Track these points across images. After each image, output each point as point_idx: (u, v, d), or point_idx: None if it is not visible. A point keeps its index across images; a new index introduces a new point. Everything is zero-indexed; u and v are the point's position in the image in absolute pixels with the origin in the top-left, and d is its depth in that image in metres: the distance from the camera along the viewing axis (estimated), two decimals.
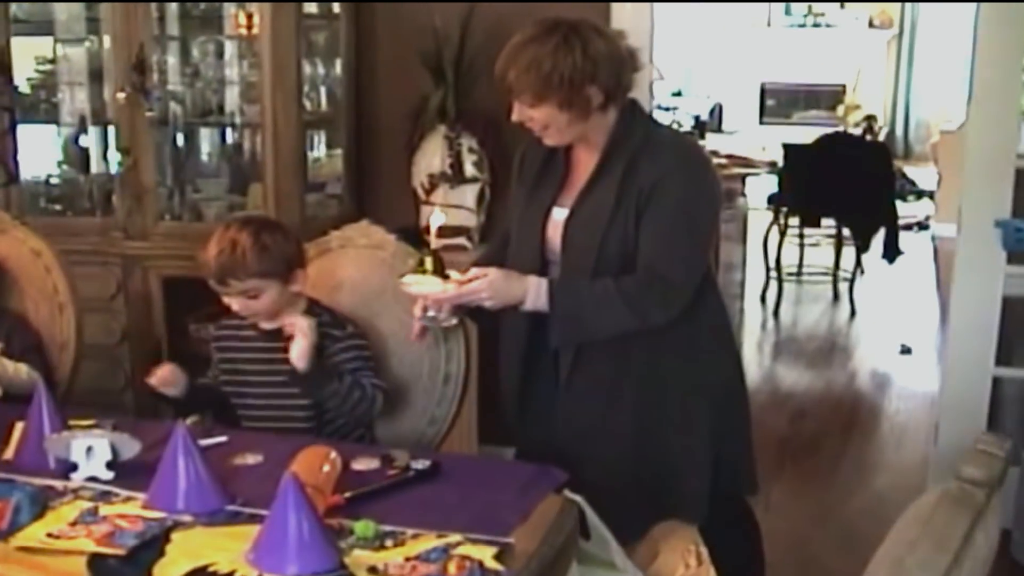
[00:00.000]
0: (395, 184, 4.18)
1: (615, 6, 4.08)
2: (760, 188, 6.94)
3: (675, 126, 7.97)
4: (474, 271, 2.43)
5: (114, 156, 4.06)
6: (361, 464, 2.35)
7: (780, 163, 6.52)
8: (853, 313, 6.72)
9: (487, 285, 2.41)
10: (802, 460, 4.48)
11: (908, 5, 11.96)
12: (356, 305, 2.93)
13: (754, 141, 8.69)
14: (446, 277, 2.43)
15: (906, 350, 5.94)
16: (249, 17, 4.06)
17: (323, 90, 4.31)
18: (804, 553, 3.57)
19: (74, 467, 2.29)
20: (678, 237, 2.46)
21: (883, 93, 12.13)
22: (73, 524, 2.08)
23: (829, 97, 12.23)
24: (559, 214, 2.58)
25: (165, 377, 2.70)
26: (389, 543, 2.00)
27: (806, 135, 7.63)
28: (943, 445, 3.84)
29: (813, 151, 6.43)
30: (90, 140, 4.43)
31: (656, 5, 4.12)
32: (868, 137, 8.41)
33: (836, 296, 6.95)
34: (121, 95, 3.90)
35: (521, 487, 2.24)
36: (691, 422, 2.62)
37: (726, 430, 2.68)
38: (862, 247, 6.51)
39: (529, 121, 2.50)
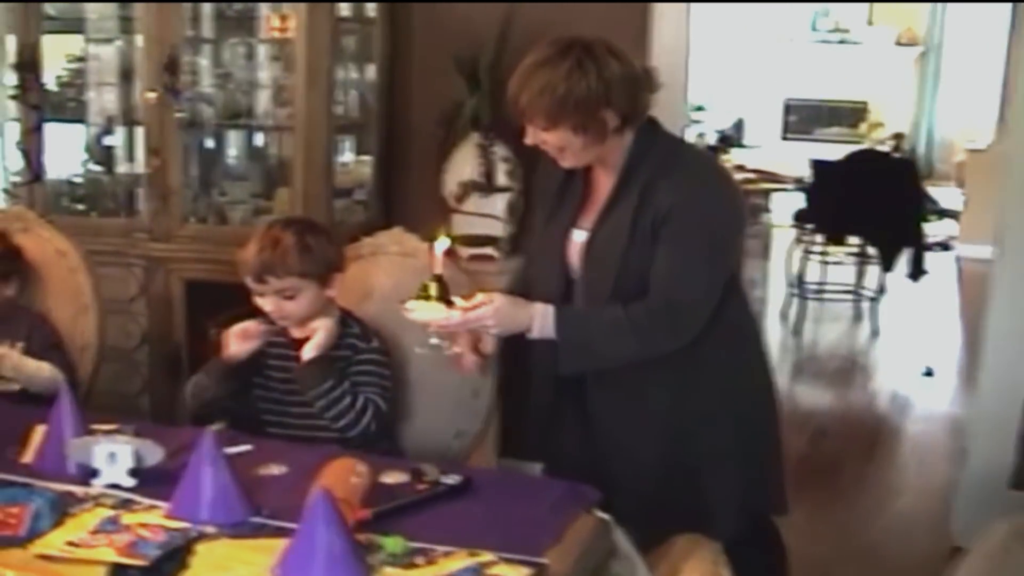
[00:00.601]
0: (424, 192, 4.13)
1: (654, 6, 4.03)
2: (786, 204, 6.85)
3: (700, 139, 7.92)
4: (479, 297, 2.37)
5: (141, 157, 4.02)
6: (390, 478, 2.29)
7: (807, 179, 6.45)
8: (875, 333, 6.64)
9: (492, 312, 2.35)
10: (823, 481, 4.42)
11: (935, 24, 11.85)
12: (386, 314, 2.86)
13: (776, 157, 8.63)
14: (450, 303, 2.36)
15: (929, 372, 5.87)
16: (283, 19, 4.02)
17: (354, 94, 4.26)
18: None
19: (95, 473, 2.24)
20: (693, 262, 2.39)
21: (906, 111, 12.04)
22: (94, 532, 2.03)
23: (852, 114, 12.16)
24: (579, 236, 2.53)
25: (249, 330, 2.66)
26: (420, 560, 1.95)
27: (828, 152, 7.59)
28: (972, 469, 3.77)
29: (842, 168, 6.36)
30: (117, 140, 4.39)
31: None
32: (896, 155, 8.32)
33: (858, 315, 6.87)
34: (151, 95, 3.86)
35: (553, 505, 2.19)
36: (722, 437, 2.56)
37: (756, 447, 2.63)
38: (887, 266, 6.43)
39: (543, 144, 2.44)
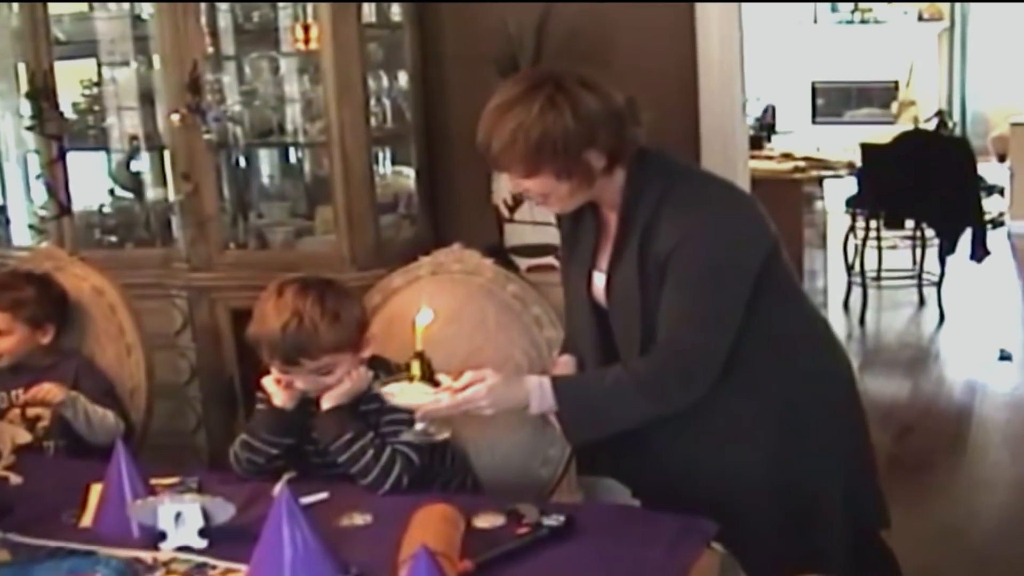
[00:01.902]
0: (473, 202, 3.92)
1: (699, 7, 3.85)
2: (838, 191, 6.61)
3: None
4: (469, 375, 2.12)
5: (172, 182, 3.82)
6: (484, 521, 2.08)
7: (857, 164, 6.21)
8: (942, 318, 6.39)
9: (486, 391, 2.10)
10: (916, 480, 4.19)
11: None
12: (453, 338, 2.64)
13: (808, 141, 8.37)
14: (436, 383, 2.11)
15: (1006, 356, 5.62)
16: (306, 30, 3.81)
17: (386, 103, 4.03)
18: None
19: (163, 536, 2.04)
20: (697, 307, 2.14)
21: (937, 88, 11.77)
22: None
23: (882, 94, 11.88)
24: (599, 279, 2.29)
25: None
26: None
27: (862, 134, 7.34)
28: None
29: (892, 150, 6.13)
30: (143, 165, 4.20)
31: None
32: (944, 133, 8.07)
33: (922, 301, 6.62)
34: (175, 117, 3.66)
35: (670, 542, 1.98)
36: (826, 451, 2.33)
37: (855, 454, 2.40)
38: (948, 248, 6.19)
39: (526, 192, 2.19)
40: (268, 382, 2.37)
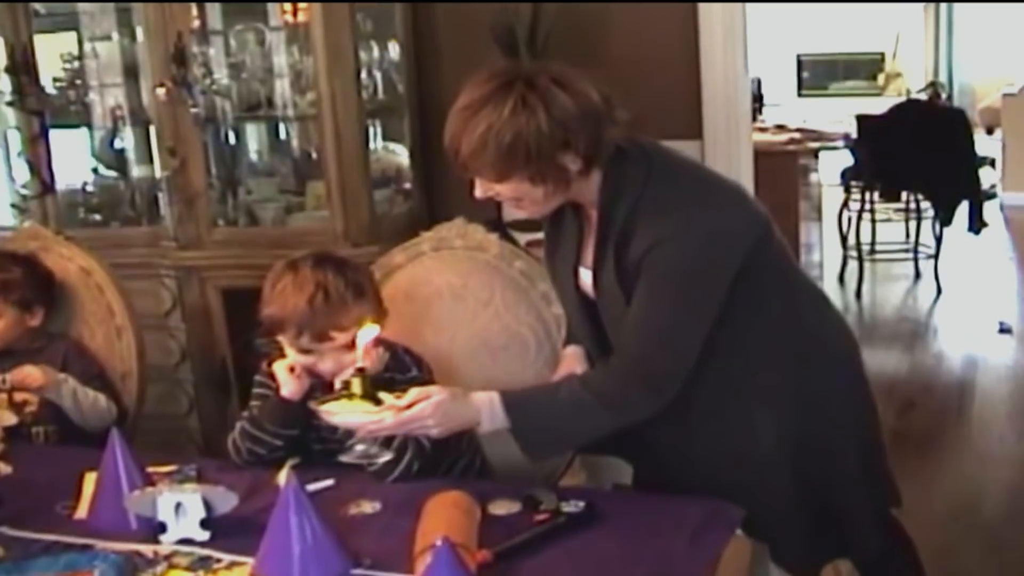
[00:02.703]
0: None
1: (702, 6, 3.76)
2: (832, 163, 6.52)
3: None
4: (414, 393, 1.99)
5: (157, 158, 3.71)
6: (500, 508, 1.99)
7: (854, 136, 6.12)
8: (939, 291, 6.31)
9: (432, 409, 1.96)
10: (922, 456, 4.10)
11: None
12: (459, 317, 2.57)
13: (795, 114, 8.28)
14: (378, 401, 1.98)
15: (1005, 328, 5.55)
16: (294, 2, 3.69)
17: (378, 76, 3.92)
18: (950, 563, 3.20)
19: (163, 527, 1.93)
20: (665, 317, 2.02)
21: (924, 60, 11.69)
22: None
23: (869, 66, 11.82)
24: (585, 275, 2.17)
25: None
26: None
27: (848, 106, 7.25)
28: None
29: (888, 122, 6.04)
30: (127, 142, 4.08)
31: None
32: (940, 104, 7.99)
33: (918, 274, 6.55)
34: (161, 90, 3.54)
35: (696, 530, 1.89)
36: (840, 430, 2.24)
37: (866, 433, 2.31)
38: (945, 220, 6.11)
39: (497, 196, 2.05)
40: (280, 369, 2.24)
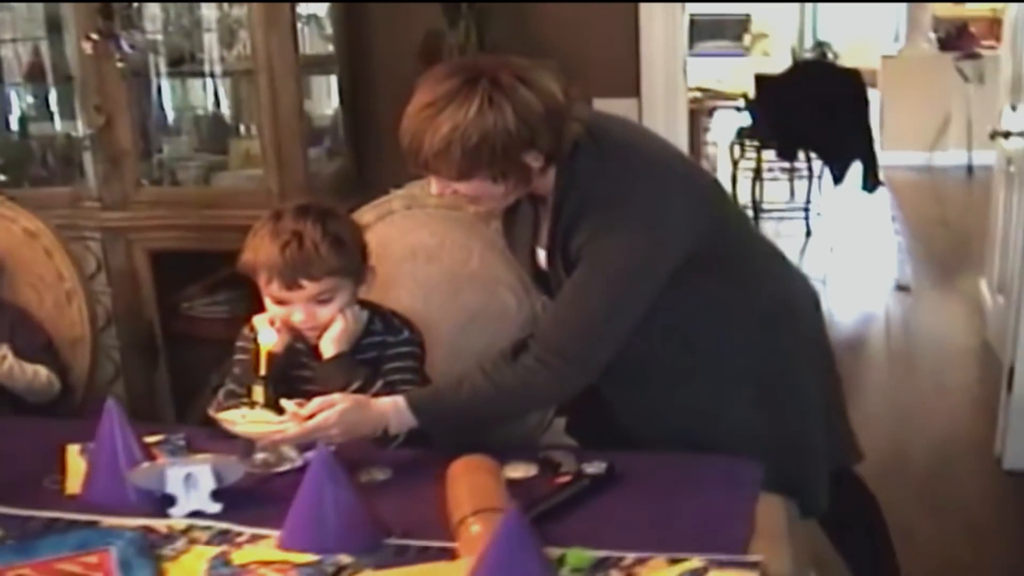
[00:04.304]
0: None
1: (643, 7, 3.77)
2: (726, 123, 6.62)
3: None
4: (317, 401, 1.95)
5: (80, 115, 3.53)
6: (517, 471, 1.96)
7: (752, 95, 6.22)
8: (831, 250, 6.43)
9: (337, 417, 1.93)
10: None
11: None
12: (434, 278, 2.51)
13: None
14: (280, 410, 1.97)
15: (903, 286, 5.71)
16: None
17: (306, 31, 3.80)
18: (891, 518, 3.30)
19: (170, 501, 1.85)
20: (587, 312, 2.01)
21: (791, 21, 11.91)
22: None
23: (734, 26, 11.93)
24: (541, 255, 2.18)
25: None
26: (616, 574, 1.62)
27: (713, 67, 7.33)
28: (1021, 389, 3.60)
29: (786, 81, 6.14)
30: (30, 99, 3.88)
31: None
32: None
33: (809, 232, 6.69)
34: (87, 44, 3.36)
35: (720, 487, 1.89)
36: (807, 389, 2.27)
37: (829, 391, 2.34)
38: (837, 179, 6.24)
39: (454, 194, 2.03)
40: (259, 320, 2.18)
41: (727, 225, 2.19)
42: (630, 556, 1.66)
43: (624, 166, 2.04)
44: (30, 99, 3.90)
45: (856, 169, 6.17)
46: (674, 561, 1.64)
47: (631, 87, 3.77)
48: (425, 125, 1.90)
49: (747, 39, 11.81)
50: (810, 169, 6.52)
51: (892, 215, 7.28)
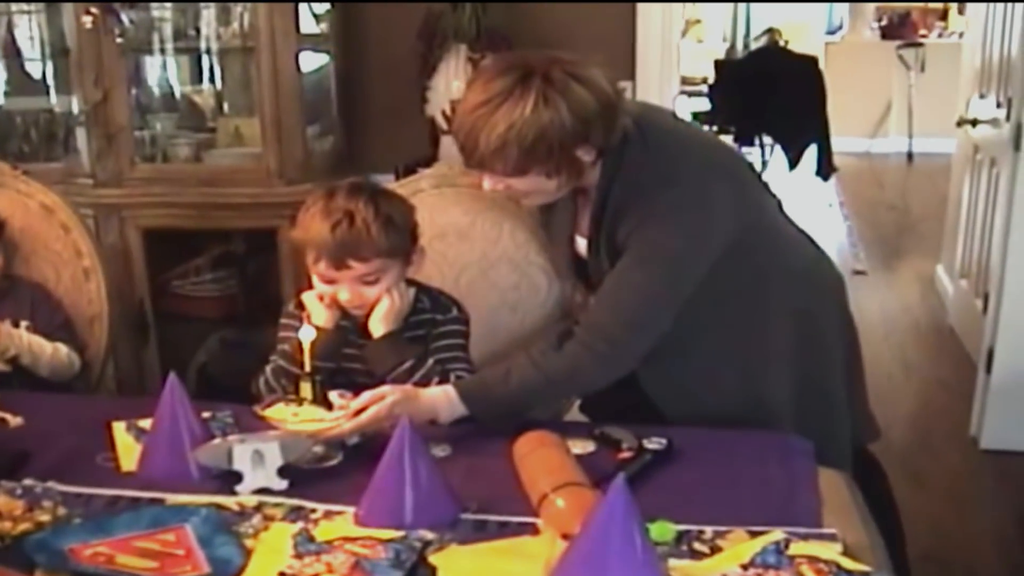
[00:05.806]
0: (401, 114, 3.72)
1: (641, 7, 3.80)
2: (684, 107, 6.67)
3: None
4: (367, 396, 1.96)
5: (76, 90, 3.47)
6: (576, 447, 1.96)
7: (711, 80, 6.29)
8: None
9: (388, 410, 1.95)
10: None
11: None
12: (467, 256, 2.53)
13: None
14: (329, 405, 1.98)
15: (860, 271, 5.82)
16: None
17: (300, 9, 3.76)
18: None
19: (238, 478, 1.84)
20: (633, 298, 2.06)
21: (725, 7, 12.01)
22: (299, 556, 1.63)
23: None
24: (581, 243, 2.23)
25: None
26: (700, 547, 1.65)
27: None
28: (1000, 371, 3.70)
29: (745, 66, 6.22)
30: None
31: None
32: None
33: None
34: (87, 19, 3.30)
35: (780, 460, 1.94)
36: (835, 366, 2.35)
37: (852, 369, 2.42)
38: (792, 163, 6.34)
39: (507, 190, 2.06)
40: (309, 297, 2.18)
41: (765, 212, 2.24)
42: (708, 530, 1.69)
43: (670, 155, 2.07)
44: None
45: (809, 155, 6.25)
46: (754, 534, 1.68)
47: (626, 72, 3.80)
48: (480, 123, 1.92)
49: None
50: (763, 155, 6.60)
51: (840, 200, 7.40)
